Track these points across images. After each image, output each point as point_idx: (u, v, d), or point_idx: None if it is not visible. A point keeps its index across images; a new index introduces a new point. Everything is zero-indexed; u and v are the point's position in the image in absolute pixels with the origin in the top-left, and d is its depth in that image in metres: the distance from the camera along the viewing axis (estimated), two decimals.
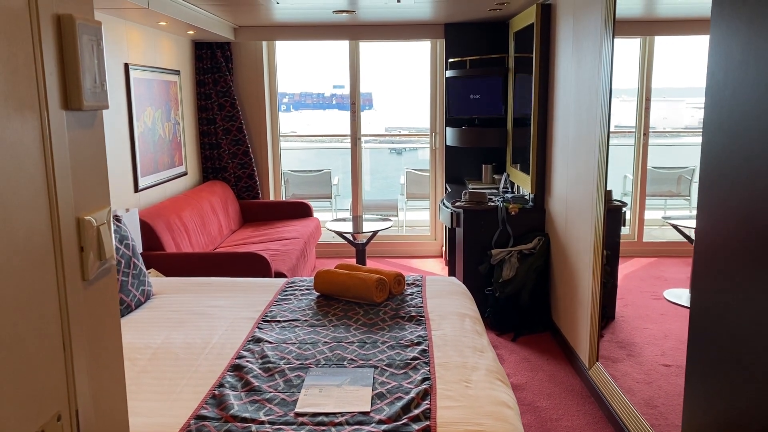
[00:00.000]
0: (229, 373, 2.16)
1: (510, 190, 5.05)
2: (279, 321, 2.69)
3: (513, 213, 4.35)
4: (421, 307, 2.81)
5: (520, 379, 3.56)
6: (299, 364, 2.21)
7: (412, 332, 2.50)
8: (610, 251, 3.52)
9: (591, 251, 3.38)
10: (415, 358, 2.23)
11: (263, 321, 2.69)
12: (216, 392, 2.01)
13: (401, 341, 2.41)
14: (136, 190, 4.45)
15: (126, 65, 4.30)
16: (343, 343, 2.40)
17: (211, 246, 4.89)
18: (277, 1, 4.31)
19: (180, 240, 4.37)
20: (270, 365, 2.20)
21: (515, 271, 4.22)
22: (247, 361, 2.24)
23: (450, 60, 5.52)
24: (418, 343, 2.37)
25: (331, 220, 5.87)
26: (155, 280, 3.33)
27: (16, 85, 0.69)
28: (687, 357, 1.94)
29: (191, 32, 5.07)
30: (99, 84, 0.86)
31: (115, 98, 4.16)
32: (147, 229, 4.06)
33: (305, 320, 2.69)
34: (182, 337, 2.52)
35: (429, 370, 2.13)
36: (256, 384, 2.06)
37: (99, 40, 0.87)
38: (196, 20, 4.59)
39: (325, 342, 2.42)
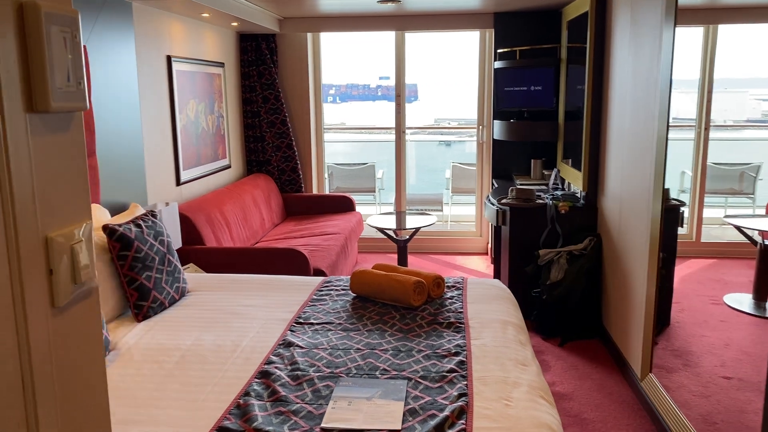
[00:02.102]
0: (256, 380, 2.07)
1: (560, 186, 4.82)
2: (312, 323, 2.59)
3: (563, 211, 4.14)
4: (460, 312, 2.66)
5: (567, 388, 3.38)
6: (329, 373, 2.10)
7: (450, 341, 2.36)
8: (667, 253, 3.29)
9: (646, 253, 3.17)
10: (451, 371, 2.09)
11: (296, 323, 2.60)
12: (241, 401, 1.92)
13: (438, 350, 2.27)
14: (178, 183, 4.43)
15: (168, 57, 4.27)
16: (376, 351, 2.28)
17: (253, 240, 4.84)
18: None
19: (220, 234, 4.33)
20: (299, 373, 2.10)
21: (564, 273, 4.01)
22: (276, 368, 2.15)
23: (499, 50, 5.32)
24: (456, 353, 2.23)
25: (374, 214, 5.76)
26: (191, 276, 3.28)
27: None
28: None
29: (235, 24, 5.01)
30: (74, 82, 0.76)
31: (157, 91, 4.13)
32: (187, 223, 4.03)
33: (339, 323, 2.58)
34: (212, 339, 2.45)
35: (466, 385, 1.98)
36: (283, 393, 1.96)
37: (75, 32, 0.76)
38: (240, 11, 4.52)
39: (358, 349, 2.30)
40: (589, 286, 4.06)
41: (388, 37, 6.00)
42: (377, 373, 2.10)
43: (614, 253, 3.77)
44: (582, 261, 4.02)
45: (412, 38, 6.07)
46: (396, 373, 2.09)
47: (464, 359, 2.18)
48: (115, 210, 3.51)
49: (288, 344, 2.36)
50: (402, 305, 2.75)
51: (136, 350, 2.35)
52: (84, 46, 3.13)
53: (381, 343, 2.35)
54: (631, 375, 3.35)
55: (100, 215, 3.10)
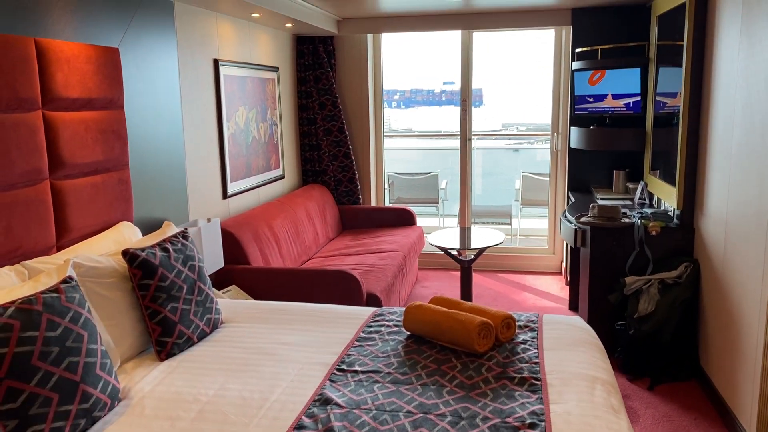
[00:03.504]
0: None
1: (648, 202, 4.25)
2: (356, 371, 2.18)
3: (653, 233, 3.59)
4: (536, 363, 2.19)
5: None
6: None
7: (524, 405, 1.90)
8: None
9: (760, 286, 2.61)
10: None
11: (338, 369, 2.20)
12: None
13: (508, 419, 1.81)
14: (225, 196, 4.13)
15: (215, 61, 3.98)
16: (431, 416, 1.84)
17: (304, 256, 4.50)
18: None
19: (268, 251, 4.00)
20: None
21: (655, 305, 3.46)
22: None
23: (578, 50, 4.78)
24: (532, 425, 1.77)
25: (437, 228, 5.31)
26: (228, 303, 2.94)
27: None
28: None
29: (289, 25, 4.69)
30: None
31: (202, 97, 3.84)
32: (231, 241, 3.71)
33: (388, 373, 2.16)
34: (239, 388, 2.08)
35: None
36: None
37: None
38: (294, 11, 4.19)
39: (409, 411, 1.87)
40: (684, 320, 3.49)
41: (454, 39, 5.56)
42: None
43: (717, 284, 3.20)
44: (676, 291, 3.45)
45: (478, 40, 5.60)
46: None
47: None
48: (152, 227, 3.22)
49: (325, 401, 1.96)
50: (464, 350, 2.30)
51: (150, 401, 2.01)
52: (116, 49, 2.84)
53: (438, 405, 1.91)
54: (739, 431, 2.79)
55: (129, 235, 2.80)
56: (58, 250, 2.49)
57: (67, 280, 2.01)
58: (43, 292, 1.88)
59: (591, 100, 4.67)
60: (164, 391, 2.07)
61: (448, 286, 5.24)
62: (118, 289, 2.35)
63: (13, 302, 1.78)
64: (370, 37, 5.59)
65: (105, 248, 2.58)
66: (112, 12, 2.91)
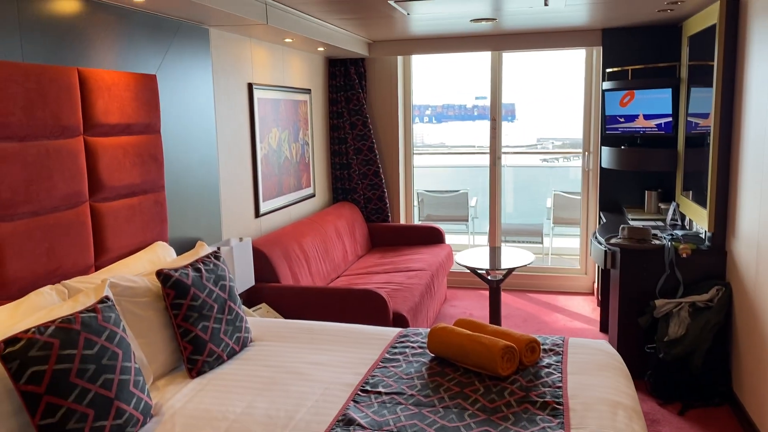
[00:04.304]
0: None
1: (680, 223, 4.20)
2: (380, 392, 2.22)
3: (684, 255, 3.55)
4: (559, 387, 2.20)
5: None
6: None
7: (544, 429, 1.91)
8: None
9: None
10: None
11: (362, 390, 2.24)
12: None
13: None
14: (257, 215, 4.23)
15: (250, 85, 4.10)
16: None
17: (333, 274, 4.56)
18: (407, 12, 3.89)
19: (298, 269, 4.08)
20: None
21: (686, 328, 3.42)
22: None
23: (608, 70, 4.78)
24: None
25: (466, 247, 5.33)
26: (257, 322, 3.02)
27: None
28: None
29: (321, 49, 4.80)
30: None
31: (236, 120, 3.96)
32: (262, 259, 3.80)
33: (411, 395, 2.19)
34: (266, 407, 2.14)
35: None
36: None
37: None
38: (326, 36, 4.30)
39: None
40: (716, 344, 3.44)
41: (484, 56, 5.60)
42: None
43: (750, 308, 3.15)
44: (708, 315, 3.41)
45: (510, 56, 5.64)
46: None
47: None
48: (186, 247, 3.32)
49: (348, 421, 2.00)
50: (487, 373, 2.32)
51: (180, 418, 2.08)
52: (153, 76, 2.96)
53: (459, 428, 1.94)
54: None
55: (164, 255, 2.90)
56: (96, 270, 2.60)
57: (104, 300, 2.10)
58: (81, 312, 1.97)
59: (622, 120, 4.65)
60: (194, 408, 2.14)
61: (478, 305, 5.24)
62: (151, 308, 2.44)
63: (53, 321, 1.88)
64: (400, 57, 5.67)
65: (140, 268, 2.68)
66: (151, 40, 3.04)
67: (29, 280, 2.24)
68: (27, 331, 1.80)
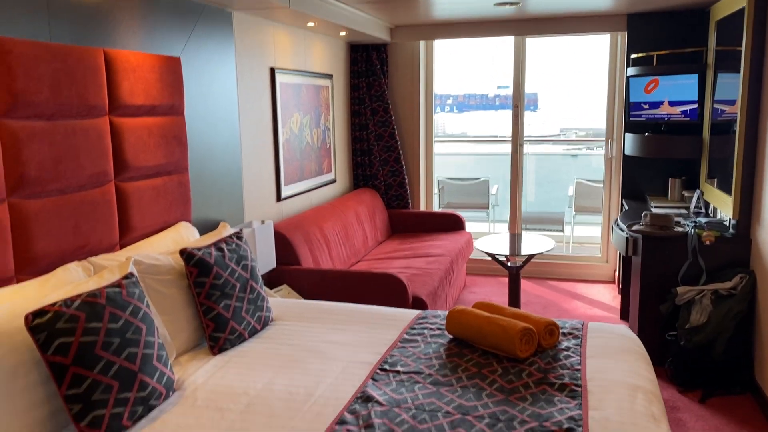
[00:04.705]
0: None
1: (704, 211, 4.15)
2: (398, 371, 2.24)
3: (707, 242, 3.51)
4: (577, 370, 2.20)
5: None
6: None
7: (563, 410, 1.91)
8: None
9: None
10: None
11: (381, 369, 2.26)
12: None
13: (546, 423, 1.84)
14: (279, 199, 4.26)
15: (272, 69, 4.12)
16: (469, 417, 1.88)
17: (354, 259, 4.59)
18: None
19: (319, 253, 4.11)
20: None
21: (708, 316, 3.39)
22: (348, 431, 1.82)
23: (633, 56, 4.72)
24: (569, 430, 1.79)
25: (486, 234, 5.32)
26: (278, 302, 3.05)
27: None
28: None
29: (343, 33, 4.81)
30: None
31: (259, 104, 3.99)
32: (283, 242, 3.83)
33: (429, 374, 2.21)
34: (286, 383, 2.17)
35: None
36: None
37: None
38: (348, 20, 4.30)
39: (448, 412, 1.92)
40: (738, 332, 3.40)
41: (507, 43, 5.56)
42: None
43: None
44: (730, 303, 3.37)
45: (533, 44, 5.58)
46: None
47: None
48: (209, 228, 3.37)
49: (367, 398, 2.02)
50: (506, 355, 2.33)
51: (202, 392, 2.12)
52: (178, 58, 3.00)
53: (476, 407, 1.95)
54: None
55: (187, 235, 2.95)
56: (121, 248, 2.65)
57: (128, 276, 2.14)
58: (106, 287, 2.01)
59: (646, 106, 4.60)
60: (216, 384, 2.18)
61: (497, 292, 5.23)
62: (175, 286, 2.48)
63: (79, 296, 1.92)
64: (422, 43, 5.65)
65: (164, 247, 2.73)
66: (175, 23, 3.07)
67: (57, 256, 2.30)
68: (54, 304, 1.85)
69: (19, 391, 1.79)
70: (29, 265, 2.20)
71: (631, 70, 4.65)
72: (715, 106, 4.05)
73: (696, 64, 4.34)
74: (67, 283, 2.16)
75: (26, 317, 1.79)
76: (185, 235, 2.93)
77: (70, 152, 2.34)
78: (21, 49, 2.14)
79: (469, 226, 5.64)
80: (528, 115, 5.62)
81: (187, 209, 3.10)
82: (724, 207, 3.70)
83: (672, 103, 4.43)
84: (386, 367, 2.28)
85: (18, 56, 2.12)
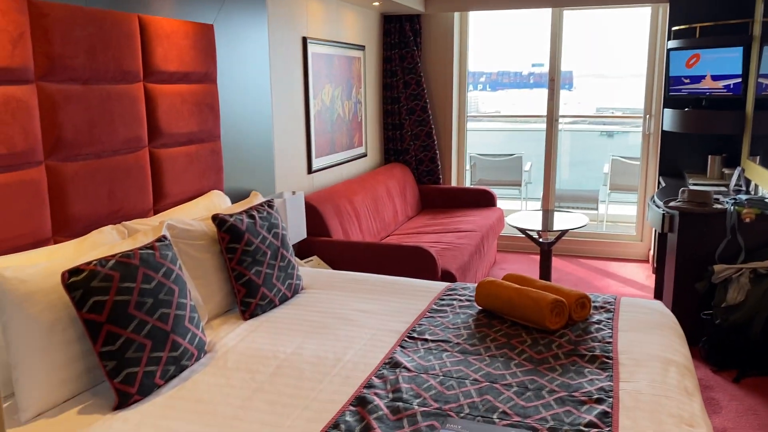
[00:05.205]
0: (350, 408, 1.76)
1: (745, 189, 4.03)
2: (427, 339, 2.24)
3: (747, 220, 3.41)
4: (609, 343, 2.17)
5: None
6: (436, 408, 1.74)
7: (593, 381, 1.89)
8: None
9: None
10: (590, 424, 1.64)
11: (409, 337, 2.26)
12: None
13: (575, 393, 1.82)
14: (309, 171, 4.27)
15: (304, 39, 4.10)
16: (497, 385, 1.87)
17: (384, 233, 4.59)
18: None
19: (349, 226, 4.11)
20: (401, 405, 1.76)
21: (745, 295, 3.30)
22: (376, 394, 1.83)
23: (674, 28, 4.57)
24: (599, 401, 1.76)
25: (518, 211, 5.27)
26: (308, 272, 3.07)
27: None
28: None
29: (376, 3, 4.75)
30: None
31: (290, 74, 3.98)
32: (314, 214, 3.85)
33: (457, 343, 2.20)
34: (315, 348, 2.19)
35: None
36: (378, 431, 1.63)
37: None
38: None
39: (475, 380, 1.91)
40: None
41: (543, 19, 5.43)
42: (494, 416, 1.70)
43: None
44: None
45: (570, 18, 5.45)
46: (519, 419, 1.68)
47: (609, 409, 1.71)
48: (240, 197, 3.39)
49: (395, 364, 2.03)
50: (536, 327, 2.31)
51: (232, 355, 2.15)
52: (211, 26, 3.00)
53: (504, 376, 1.94)
54: None
55: (219, 202, 2.97)
56: (154, 214, 2.69)
57: (162, 239, 2.17)
58: (139, 249, 2.04)
59: (687, 81, 4.46)
60: (246, 347, 2.20)
61: (528, 269, 5.19)
62: (207, 251, 2.51)
63: (114, 256, 1.96)
64: (457, 16, 5.56)
65: (197, 214, 2.76)
66: None
67: (92, 220, 2.34)
68: (89, 263, 1.89)
69: (56, 346, 1.83)
70: (65, 227, 2.25)
71: (672, 43, 4.51)
72: (760, 80, 3.91)
73: (741, 36, 4.19)
74: (101, 244, 2.20)
75: (62, 275, 1.83)
76: (218, 203, 2.96)
77: (105, 117, 2.37)
78: (57, 12, 2.16)
79: (501, 204, 5.59)
80: (563, 94, 5.51)
81: (220, 178, 3.12)
82: (766, 184, 3.59)
83: (714, 77, 4.29)
84: (414, 335, 2.28)
85: (54, 20, 2.15)
